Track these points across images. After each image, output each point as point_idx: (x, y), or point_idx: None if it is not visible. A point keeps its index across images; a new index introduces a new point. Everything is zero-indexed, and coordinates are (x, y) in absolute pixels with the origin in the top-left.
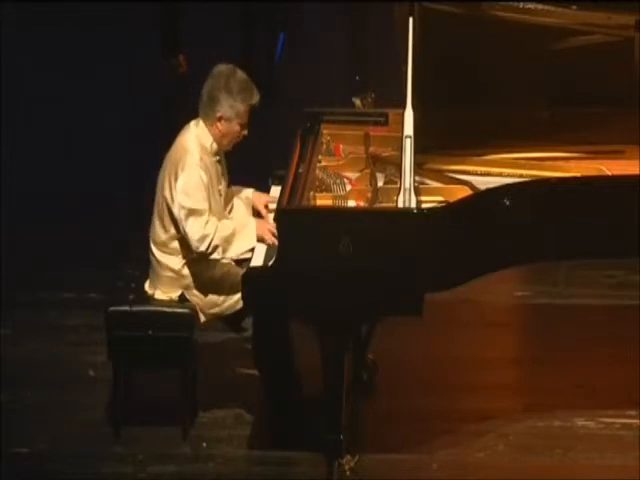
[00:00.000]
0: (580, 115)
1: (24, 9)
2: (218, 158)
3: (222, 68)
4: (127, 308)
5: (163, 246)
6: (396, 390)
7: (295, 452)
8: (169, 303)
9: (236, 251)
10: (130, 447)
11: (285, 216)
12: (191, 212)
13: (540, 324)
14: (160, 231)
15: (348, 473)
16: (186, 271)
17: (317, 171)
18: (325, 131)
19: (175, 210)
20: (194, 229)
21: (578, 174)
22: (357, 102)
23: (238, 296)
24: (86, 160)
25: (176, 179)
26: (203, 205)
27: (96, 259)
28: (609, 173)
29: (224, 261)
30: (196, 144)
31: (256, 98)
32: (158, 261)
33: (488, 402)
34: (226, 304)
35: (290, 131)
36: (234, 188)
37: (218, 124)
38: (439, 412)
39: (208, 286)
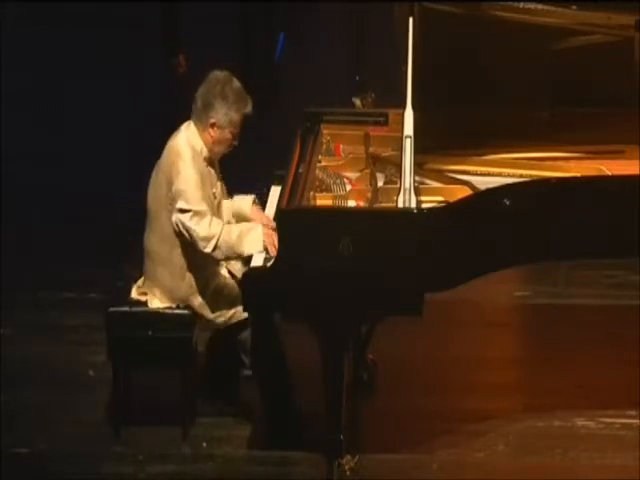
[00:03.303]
0: (580, 115)
1: (24, 9)
2: (209, 162)
3: (218, 74)
4: (127, 308)
5: (159, 259)
6: (396, 390)
7: (295, 452)
8: None
9: (243, 254)
10: (130, 447)
11: (285, 216)
12: (194, 214)
13: (540, 324)
14: (157, 243)
15: (348, 473)
16: (181, 285)
17: (317, 171)
18: (325, 131)
19: (177, 215)
20: (199, 230)
21: (578, 174)
22: (357, 102)
23: (232, 312)
24: (86, 160)
25: (171, 185)
26: (203, 206)
27: (96, 259)
28: (609, 173)
29: (221, 270)
30: (187, 146)
31: (249, 107)
32: (153, 273)
33: (488, 402)
34: (219, 320)
35: (290, 131)
36: (236, 198)
37: (210, 130)
38: (439, 412)
39: (202, 301)
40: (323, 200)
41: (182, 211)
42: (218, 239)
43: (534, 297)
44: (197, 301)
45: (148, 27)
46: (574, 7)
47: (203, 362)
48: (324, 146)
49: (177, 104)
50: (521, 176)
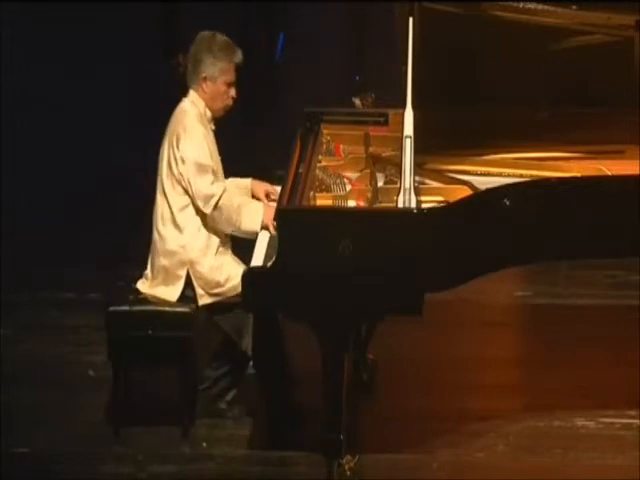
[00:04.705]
0: (580, 115)
1: (24, 9)
2: (212, 127)
3: (203, 34)
4: (127, 308)
5: (171, 221)
6: (396, 390)
7: (295, 452)
8: (169, 303)
9: (240, 226)
10: (130, 447)
11: (285, 216)
12: (199, 168)
13: (540, 324)
14: (168, 206)
15: (348, 473)
16: (192, 245)
17: (317, 171)
18: (325, 131)
19: (182, 168)
20: (201, 185)
21: (578, 174)
22: (357, 102)
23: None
24: (86, 160)
25: (178, 140)
26: (209, 161)
27: (96, 259)
28: (609, 173)
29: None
30: (193, 109)
31: (239, 56)
32: (163, 237)
33: (488, 402)
34: (228, 285)
35: (290, 131)
36: (231, 180)
37: (204, 85)
38: (439, 412)
39: (212, 263)
40: (323, 200)
41: (189, 163)
42: (219, 199)
43: (534, 297)
44: (207, 263)
45: (148, 27)
46: (574, 7)
47: (202, 362)
48: (324, 146)
49: (177, 104)
50: (521, 176)
